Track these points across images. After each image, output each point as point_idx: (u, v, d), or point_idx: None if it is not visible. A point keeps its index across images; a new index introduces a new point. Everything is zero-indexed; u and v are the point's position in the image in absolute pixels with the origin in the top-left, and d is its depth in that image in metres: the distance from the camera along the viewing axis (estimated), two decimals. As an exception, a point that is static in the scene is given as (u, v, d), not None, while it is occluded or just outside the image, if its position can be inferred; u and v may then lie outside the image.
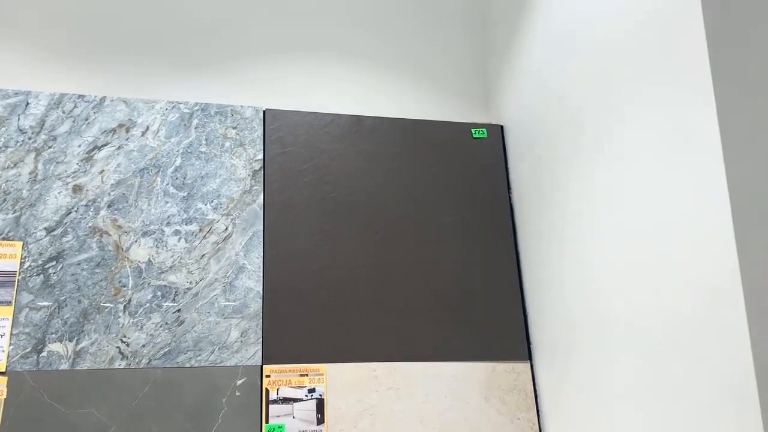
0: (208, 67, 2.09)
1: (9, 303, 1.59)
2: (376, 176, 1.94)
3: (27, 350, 1.58)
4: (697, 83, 1.28)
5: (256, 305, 1.74)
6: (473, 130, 2.06)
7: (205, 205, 1.79)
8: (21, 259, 1.63)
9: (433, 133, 2.03)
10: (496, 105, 2.19)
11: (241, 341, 1.70)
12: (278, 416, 1.66)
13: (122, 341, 1.63)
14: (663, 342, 1.37)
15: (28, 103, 1.76)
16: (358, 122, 1.99)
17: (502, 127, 2.11)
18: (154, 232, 1.73)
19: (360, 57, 2.23)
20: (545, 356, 1.83)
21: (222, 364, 1.67)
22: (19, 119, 1.74)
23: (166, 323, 1.67)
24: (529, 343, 1.90)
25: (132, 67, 2.03)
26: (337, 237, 1.85)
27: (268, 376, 1.68)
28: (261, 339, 1.71)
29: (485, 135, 2.07)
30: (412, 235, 1.91)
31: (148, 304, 1.68)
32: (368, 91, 2.19)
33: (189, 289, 1.71)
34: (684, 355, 1.31)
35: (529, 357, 1.88)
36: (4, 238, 1.64)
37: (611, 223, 1.56)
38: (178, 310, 1.69)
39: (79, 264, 1.67)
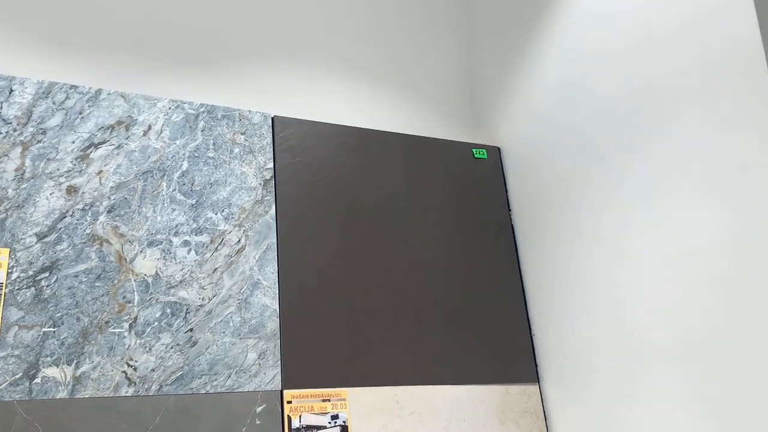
0: (209, 67, 1.93)
1: (-5, 320, 1.35)
2: (385, 191, 1.87)
3: (17, 376, 1.33)
4: (735, 109, 1.35)
5: (273, 324, 1.60)
6: (474, 151, 2.06)
7: (216, 214, 1.63)
8: (8, 268, 1.39)
9: (435, 150, 2.00)
10: (489, 127, 2.21)
11: (260, 364, 1.55)
12: (302, 446, 1.52)
13: (129, 365, 1.43)
14: (684, 360, 1.42)
15: (11, 90, 1.53)
16: (363, 136, 1.92)
17: (499, 149, 2.12)
18: (161, 242, 1.55)
19: (357, 70, 2.17)
20: (554, 378, 1.83)
21: (240, 390, 1.51)
22: (1, 108, 1.50)
23: (178, 344, 1.49)
24: (536, 365, 1.89)
25: (128, 60, 1.83)
26: (351, 253, 1.76)
27: (289, 402, 1.54)
28: (280, 361, 1.57)
29: (485, 156, 2.07)
30: (421, 255, 1.85)
31: (156, 323, 1.49)
32: (364, 103, 2.13)
33: (201, 306, 1.54)
34: (719, 373, 1.36)
35: (538, 379, 1.87)
36: (-14, 244, 1.39)
37: (635, 246, 1.60)
38: (191, 330, 1.51)
39: (76, 276, 1.45)
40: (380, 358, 1.69)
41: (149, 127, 1.64)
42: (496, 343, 1.85)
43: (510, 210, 2.06)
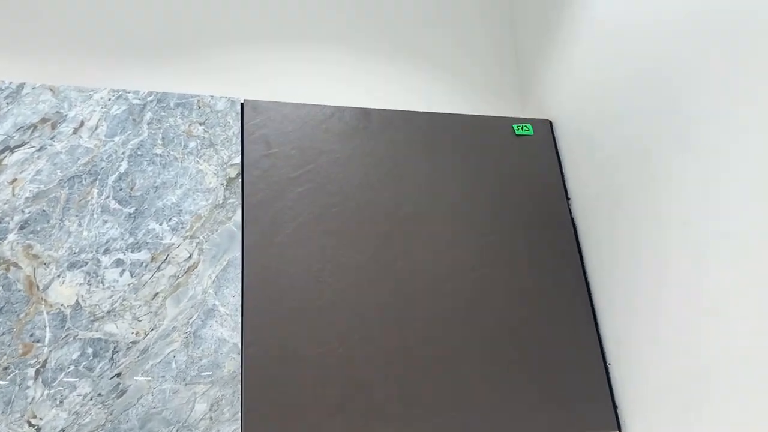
0: (167, 51, 1.62)
1: None
2: (393, 185, 1.45)
3: None
4: None
5: (232, 364, 1.21)
6: (515, 126, 1.59)
7: (161, 224, 1.28)
8: None
9: (462, 129, 1.56)
10: (538, 97, 1.73)
11: (211, 418, 1.16)
12: None
13: (30, 424, 1.09)
14: None
15: None
16: (366, 116, 1.51)
17: (550, 123, 1.64)
18: (86, 263, 1.22)
19: (364, 44, 1.78)
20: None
21: (182, 454, 1.12)
22: None
23: (100, 395, 1.13)
24: (615, 407, 1.37)
25: (64, 49, 1.55)
26: (345, 268, 1.34)
27: (250, 470, 1.14)
28: (240, 414, 1.17)
29: (531, 132, 1.60)
30: (446, 265, 1.40)
31: (72, 367, 1.14)
32: (375, 82, 1.72)
33: (134, 343, 1.18)
34: None
35: (618, 426, 1.35)
36: None
37: (738, 228, 1.07)
38: (118, 375, 1.15)
39: (-29, 311, 1.14)
40: (384, 408, 1.25)
41: (81, 124, 1.33)
42: (556, 378, 1.35)
43: (568, 199, 1.56)
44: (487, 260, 1.43)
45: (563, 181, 1.57)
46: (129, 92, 1.39)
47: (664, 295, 1.25)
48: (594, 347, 1.41)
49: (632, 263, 1.34)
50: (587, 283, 1.48)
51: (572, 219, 1.54)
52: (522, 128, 1.59)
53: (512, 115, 1.76)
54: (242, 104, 1.45)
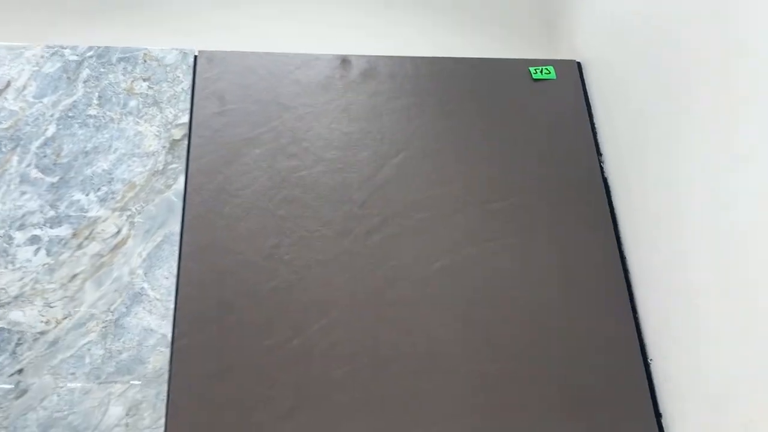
0: (114, 2, 1.44)
1: None
2: (373, 145, 1.19)
3: None
4: None
5: (158, 360, 0.99)
6: (532, 69, 1.29)
7: (87, 195, 1.09)
8: None
9: (462, 76, 1.28)
10: (565, 34, 1.42)
11: (128, 424, 0.95)
12: None
13: None
14: None
15: None
16: (344, 65, 1.26)
17: (579, 64, 1.33)
18: (-4, 241, 1.04)
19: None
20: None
21: (87, 469, 0.92)
22: None
23: (-4, 395, 0.95)
24: (658, 416, 1.05)
25: None
26: (306, 240, 1.10)
27: (169, 490, 0.92)
28: (164, 420, 0.96)
29: (553, 76, 1.29)
30: (440, 238, 1.13)
31: (-33, 362, 0.96)
32: (354, 24, 1.48)
33: (42, 333, 0.99)
34: None
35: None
36: None
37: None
38: (19, 371, 0.97)
39: None
40: (346, 411, 0.99)
41: (8, 84, 1.16)
42: (582, 377, 1.05)
43: (600, 155, 1.25)
44: (494, 232, 1.15)
45: (594, 135, 1.26)
46: (66, 48, 1.21)
47: (722, 273, 0.92)
48: (631, 338, 1.09)
49: (680, 233, 1.02)
50: (623, 258, 1.16)
51: (605, 179, 1.22)
52: (541, 72, 1.29)
53: (533, 57, 1.46)
54: (196, 56, 1.24)
